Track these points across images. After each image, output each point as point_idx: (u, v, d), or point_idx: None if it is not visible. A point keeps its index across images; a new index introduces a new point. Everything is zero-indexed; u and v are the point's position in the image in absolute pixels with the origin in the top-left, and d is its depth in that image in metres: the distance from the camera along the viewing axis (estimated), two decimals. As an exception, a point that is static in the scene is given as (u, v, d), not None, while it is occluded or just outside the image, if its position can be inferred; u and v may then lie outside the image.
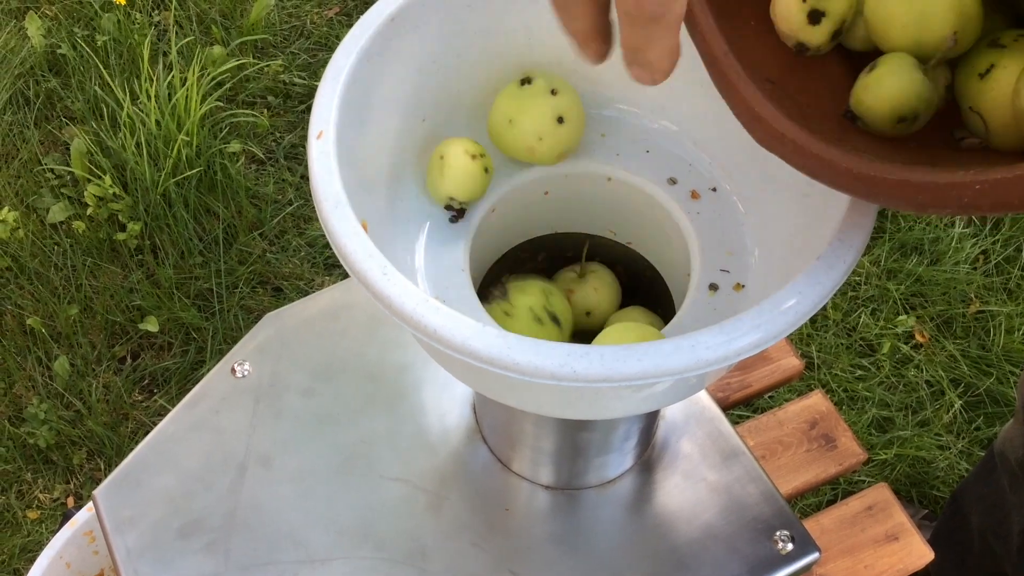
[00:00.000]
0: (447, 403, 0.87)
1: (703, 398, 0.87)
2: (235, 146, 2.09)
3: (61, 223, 2.03)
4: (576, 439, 0.77)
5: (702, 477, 0.83)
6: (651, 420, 0.82)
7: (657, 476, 0.84)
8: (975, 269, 2.02)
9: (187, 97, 2.01)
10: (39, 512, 1.77)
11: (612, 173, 0.74)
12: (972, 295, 1.99)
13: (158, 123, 2.00)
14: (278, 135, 2.20)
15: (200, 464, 0.84)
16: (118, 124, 2.06)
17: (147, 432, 1.80)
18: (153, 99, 1.99)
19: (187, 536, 0.81)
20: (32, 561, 1.69)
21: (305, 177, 2.15)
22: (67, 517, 0.94)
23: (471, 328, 0.52)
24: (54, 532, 1.65)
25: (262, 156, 2.15)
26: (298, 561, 0.80)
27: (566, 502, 0.83)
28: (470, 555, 0.80)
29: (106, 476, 1.76)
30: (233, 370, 0.89)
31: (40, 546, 1.73)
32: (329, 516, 0.82)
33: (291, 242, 2.04)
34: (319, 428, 0.86)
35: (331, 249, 2.02)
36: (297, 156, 2.18)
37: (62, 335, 1.91)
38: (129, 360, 1.91)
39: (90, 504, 0.95)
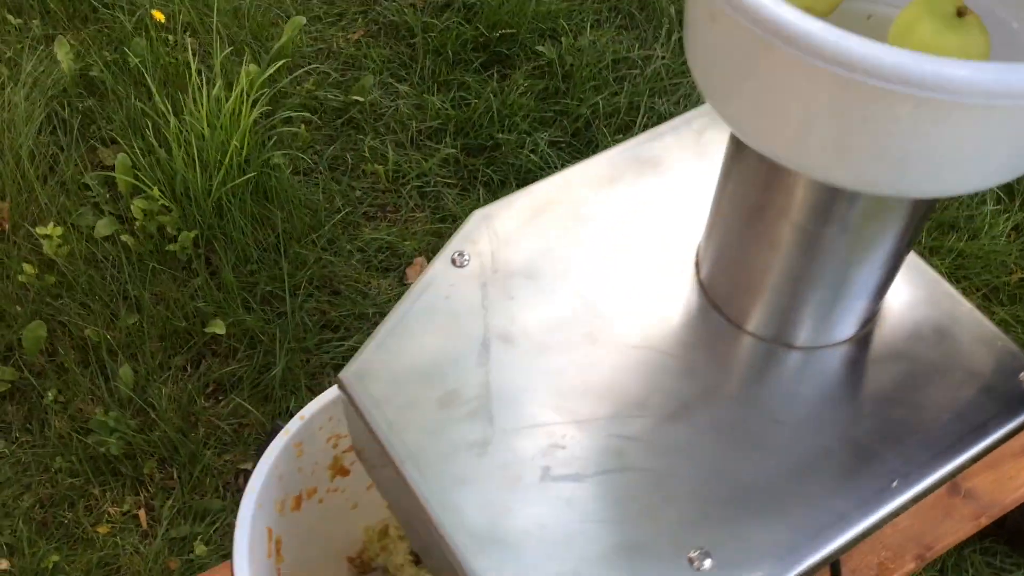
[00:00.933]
0: (674, 278, 0.88)
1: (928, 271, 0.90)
2: (279, 158, 2.09)
3: (107, 238, 1.99)
4: (806, 293, 0.78)
5: (934, 336, 0.85)
6: (893, 268, 0.83)
7: (896, 334, 0.86)
8: (1011, 241, 2.10)
9: (235, 108, 2.01)
10: (109, 527, 1.70)
11: None
12: (1012, 265, 2.07)
13: (203, 135, 1.99)
14: (318, 147, 2.21)
15: (442, 344, 0.84)
16: (161, 138, 2.04)
17: (219, 437, 1.75)
18: (204, 109, 1.98)
19: (447, 406, 0.80)
20: (109, 575, 1.62)
21: (352, 185, 2.15)
22: (275, 431, 0.91)
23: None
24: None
25: (308, 165, 2.14)
26: (565, 422, 0.79)
27: (807, 359, 0.84)
28: (732, 409, 0.81)
29: (177, 485, 1.70)
30: (453, 260, 0.89)
31: (116, 561, 1.65)
32: (583, 383, 0.82)
33: (344, 247, 2.03)
34: (550, 305, 0.86)
35: (383, 253, 2.04)
36: (339, 167, 2.19)
37: (122, 345, 1.85)
38: (192, 367, 1.86)
39: (301, 413, 0.93)
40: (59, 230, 1.96)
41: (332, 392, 0.93)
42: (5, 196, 2.04)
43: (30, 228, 1.98)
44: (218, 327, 1.84)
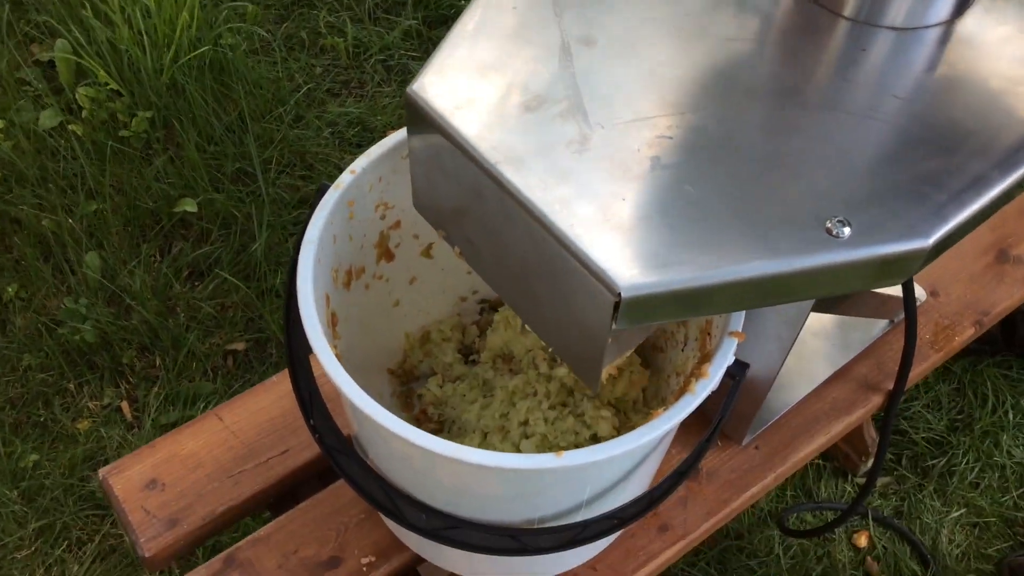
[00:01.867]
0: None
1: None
2: (230, 36, 1.95)
3: (54, 129, 1.84)
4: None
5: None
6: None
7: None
8: None
9: (180, -20, 1.87)
10: (90, 421, 1.58)
11: None
12: None
13: (148, 9, 1.85)
14: (269, 26, 2.08)
15: (518, 51, 0.75)
16: (103, 18, 1.89)
17: (201, 320, 1.63)
18: (146, -18, 1.84)
19: (535, 109, 0.72)
20: (96, 468, 1.50)
21: (312, 63, 2.03)
22: (323, 190, 0.82)
23: None
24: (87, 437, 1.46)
25: (263, 42, 2.02)
26: (669, 114, 0.72)
27: (905, 39, 0.78)
28: (843, 88, 0.74)
29: (162, 373, 1.58)
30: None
31: (103, 453, 1.53)
32: (681, 76, 0.74)
33: (312, 122, 1.92)
34: (629, 5, 0.78)
35: (354, 128, 1.92)
36: (295, 45, 2.06)
37: (85, 233, 1.72)
38: (164, 253, 1.74)
39: (352, 167, 0.83)
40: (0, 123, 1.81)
41: (381, 146, 0.84)
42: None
43: (-34, 122, 1.82)
44: (188, 204, 1.72)
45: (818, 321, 1.13)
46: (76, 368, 1.61)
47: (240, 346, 1.64)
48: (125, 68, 1.84)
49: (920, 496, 1.57)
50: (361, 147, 1.92)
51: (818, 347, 1.12)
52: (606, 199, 0.67)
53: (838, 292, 0.70)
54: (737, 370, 0.75)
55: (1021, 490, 1.59)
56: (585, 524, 0.77)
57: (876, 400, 1.10)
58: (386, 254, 0.93)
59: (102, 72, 1.83)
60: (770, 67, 0.75)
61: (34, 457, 1.52)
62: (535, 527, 0.79)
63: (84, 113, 1.83)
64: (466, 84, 0.73)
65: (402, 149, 0.86)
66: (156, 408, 1.57)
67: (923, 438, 1.62)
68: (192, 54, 1.84)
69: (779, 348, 0.88)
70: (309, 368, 0.82)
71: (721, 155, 0.70)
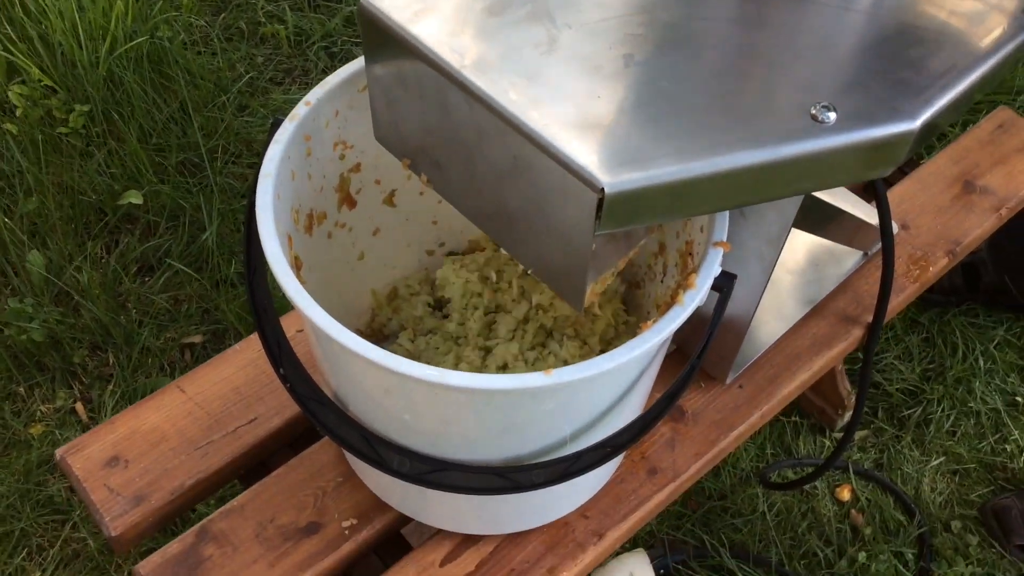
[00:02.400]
0: None
1: None
2: (165, 29, 1.89)
3: (-14, 131, 1.77)
4: None
5: None
6: None
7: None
8: None
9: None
10: (43, 426, 1.51)
11: None
12: None
13: (80, 4, 1.79)
14: (206, 17, 2.02)
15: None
16: (33, 16, 1.83)
17: (154, 315, 1.58)
18: (74, -26, 1.78)
19: (499, 13, 0.68)
20: (52, 473, 1.44)
21: (252, 53, 1.98)
22: (276, 124, 0.78)
23: None
24: (56, 429, 1.40)
25: (201, 33, 1.96)
26: (637, 12, 0.69)
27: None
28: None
29: (116, 371, 1.52)
30: None
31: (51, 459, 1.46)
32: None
33: (257, 111, 1.87)
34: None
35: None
36: (234, 36, 2.01)
37: (27, 233, 1.65)
38: (110, 249, 1.67)
39: (307, 99, 0.79)
40: (-73, 127, 1.73)
41: (337, 75, 0.80)
42: None
43: None
44: (133, 196, 1.66)
45: (792, 258, 1.11)
46: (25, 370, 1.54)
47: (197, 339, 1.58)
48: (59, 63, 1.78)
49: (899, 447, 1.56)
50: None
51: (794, 283, 1.10)
52: (581, 98, 0.64)
53: (824, 185, 0.67)
54: (724, 281, 0.72)
55: (997, 435, 1.58)
56: (578, 455, 0.74)
57: (856, 333, 1.08)
58: (347, 200, 0.89)
59: (35, 69, 1.76)
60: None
61: (-15, 466, 1.45)
62: (525, 464, 0.75)
63: (18, 111, 1.76)
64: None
65: (359, 81, 0.82)
66: (112, 407, 1.50)
67: (897, 389, 1.61)
68: (128, 45, 1.78)
69: (761, 269, 0.86)
70: (275, 316, 0.77)
71: (696, 50, 0.67)
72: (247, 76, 1.91)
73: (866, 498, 1.51)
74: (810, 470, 1.52)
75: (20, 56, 1.78)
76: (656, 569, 1.36)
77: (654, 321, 0.68)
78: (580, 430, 0.75)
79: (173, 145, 1.75)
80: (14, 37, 1.80)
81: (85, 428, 1.50)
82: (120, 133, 1.75)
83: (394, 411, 0.73)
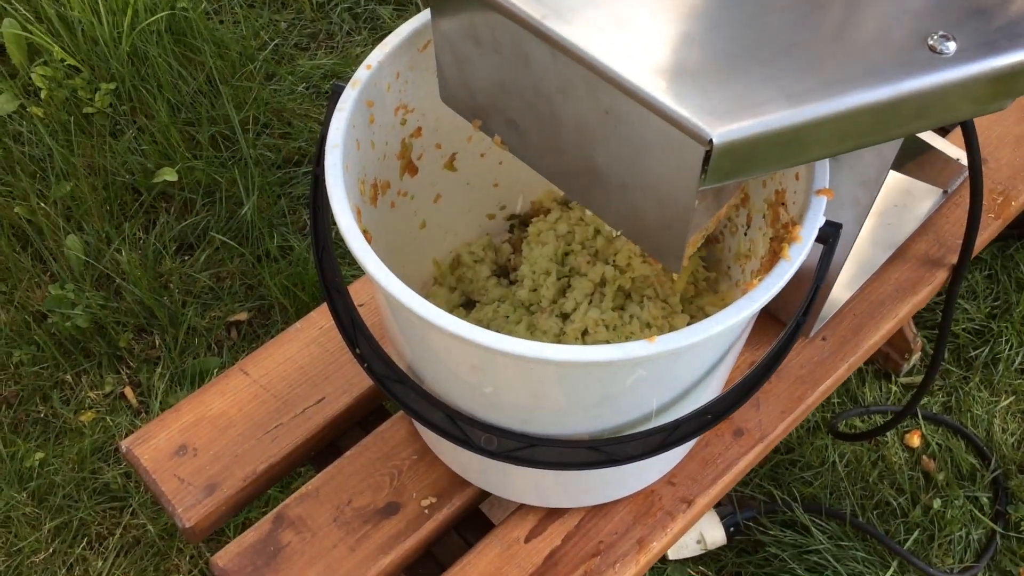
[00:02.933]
0: None
1: None
2: (186, 0, 1.84)
3: (13, 114, 1.73)
4: None
5: None
6: None
7: None
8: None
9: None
10: (94, 412, 1.48)
11: None
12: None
13: (100, -21, 1.73)
14: (227, -14, 1.97)
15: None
16: (51, -6, 1.78)
17: (198, 294, 1.54)
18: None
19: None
20: (107, 460, 1.41)
21: (275, 19, 1.92)
22: (337, 91, 0.73)
23: None
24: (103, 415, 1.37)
25: (221, 2, 1.91)
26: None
27: None
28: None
29: (163, 353, 1.49)
30: None
31: (112, 443, 1.44)
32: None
33: (285, 79, 1.82)
34: None
35: (329, 81, 1.82)
36: (254, 3, 1.95)
37: (63, 217, 1.61)
38: (147, 229, 1.64)
39: (367, 61, 0.74)
40: (-48, 114, 1.69)
41: (398, 35, 0.75)
42: None
43: (-81, 115, 1.71)
44: (168, 174, 1.62)
45: (867, 201, 1.06)
46: (71, 358, 1.51)
47: (243, 316, 1.55)
48: (81, 41, 1.73)
49: (967, 388, 1.51)
50: (340, 99, 1.82)
51: (873, 227, 1.04)
52: (675, 43, 0.59)
53: (943, 121, 0.62)
54: (831, 231, 0.67)
55: (1067, 370, 1.53)
56: (676, 423, 0.70)
57: (940, 276, 1.03)
58: (409, 167, 0.84)
59: (57, 48, 1.71)
60: None
61: (39, 455, 1.42)
62: (620, 435, 0.71)
63: (43, 94, 1.72)
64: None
65: (420, 39, 0.77)
66: (163, 390, 1.48)
67: (963, 329, 1.56)
68: (150, 19, 1.73)
69: (855, 215, 0.81)
70: (347, 293, 0.73)
71: (795, -17, 0.62)
72: (272, 43, 1.86)
73: (937, 443, 1.46)
74: (878, 418, 1.48)
75: (40, 35, 1.73)
76: (726, 527, 1.32)
77: (759, 279, 0.64)
78: (680, 396, 0.71)
79: (203, 118, 1.70)
80: (32, 18, 1.75)
81: (136, 413, 1.48)
82: (149, 110, 1.71)
83: (479, 387, 0.69)
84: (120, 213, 1.64)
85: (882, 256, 1.03)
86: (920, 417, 1.48)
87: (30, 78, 1.74)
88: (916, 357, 1.51)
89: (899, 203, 1.06)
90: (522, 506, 0.87)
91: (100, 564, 1.34)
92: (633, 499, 0.87)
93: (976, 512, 1.39)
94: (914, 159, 0.92)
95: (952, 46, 0.58)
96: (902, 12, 0.60)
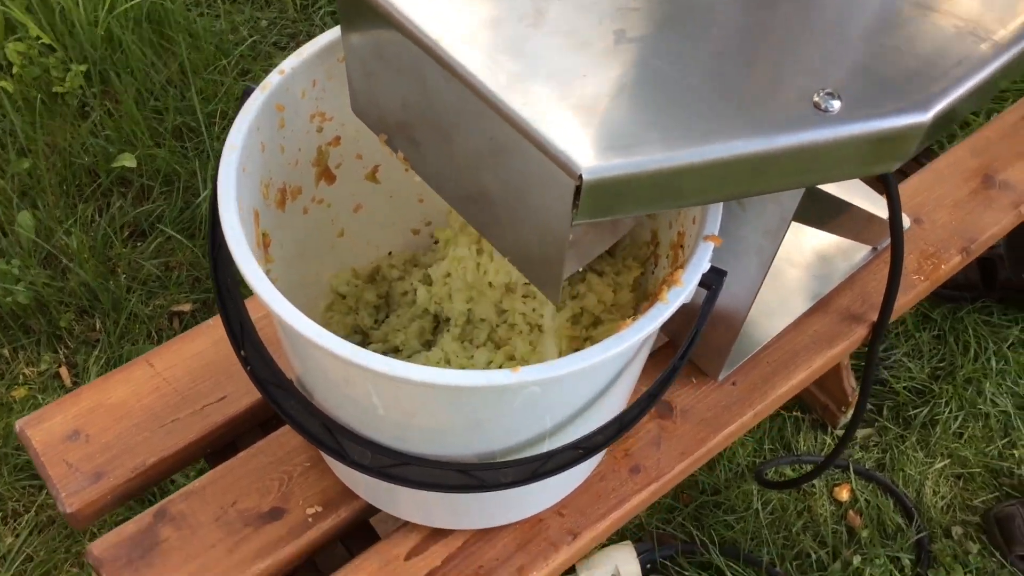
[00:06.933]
0: None
1: None
2: (170, -12, 1.85)
3: (-19, 87, 1.73)
4: None
5: None
6: None
7: None
8: None
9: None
10: (26, 389, 1.48)
11: None
12: None
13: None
14: (213, -20, 1.97)
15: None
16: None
17: (144, 281, 1.54)
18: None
19: (481, -21, 0.63)
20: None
21: (256, 16, 1.93)
22: (248, 92, 0.73)
23: None
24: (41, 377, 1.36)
25: (205, -5, 1.92)
26: (631, -17, 0.64)
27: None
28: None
29: (102, 336, 1.49)
30: None
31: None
32: (642, -51, 0.66)
33: (259, 76, 1.82)
34: None
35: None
36: (238, -1, 1.96)
37: (17, 193, 1.61)
38: (102, 212, 1.63)
39: (280, 67, 0.74)
40: (-79, 80, 1.69)
41: (315, 44, 0.75)
42: None
43: None
44: (127, 160, 1.62)
45: (797, 251, 1.06)
46: (9, 333, 1.51)
47: (186, 307, 1.55)
48: (57, 20, 1.73)
49: (903, 447, 1.51)
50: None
51: (797, 277, 1.05)
52: (564, 76, 0.59)
53: (825, 179, 0.62)
54: (713, 278, 0.67)
55: (1006, 439, 1.53)
56: (549, 455, 0.70)
57: (860, 332, 1.03)
58: (326, 175, 0.85)
59: (33, 25, 1.72)
60: (745, -64, 0.67)
61: (-35, 428, 1.42)
62: (493, 462, 0.71)
63: (15, 69, 1.72)
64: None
65: (338, 50, 0.77)
66: (96, 373, 1.47)
67: (904, 387, 1.56)
68: (128, 4, 1.73)
69: (759, 263, 0.81)
70: (238, 295, 0.73)
71: (694, 28, 0.62)
72: (250, 39, 1.87)
73: (865, 499, 1.46)
74: (808, 468, 1.48)
75: (18, 11, 1.74)
76: (643, 563, 1.32)
77: (633, 319, 0.64)
78: (558, 426, 0.71)
79: (171, 108, 1.70)
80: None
81: (68, 393, 1.47)
82: (117, 94, 1.71)
83: (357, 401, 0.69)
84: (76, 194, 1.63)
85: (803, 306, 1.03)
86: (852, 471, 1.48)
87: (4, 53, 1.74)
88: (852, 411, 1.51)
89: (828, 255, 1.06)
90: (408, 523, 0.87)
91: (11, 540, 1.33)
92: (520, 526, 0.87)
93: (896, 573, 1.39)
94: (838, 216, 0.92)
95: (836, 104, 0.59)
96: (797, 67, 0.61)
